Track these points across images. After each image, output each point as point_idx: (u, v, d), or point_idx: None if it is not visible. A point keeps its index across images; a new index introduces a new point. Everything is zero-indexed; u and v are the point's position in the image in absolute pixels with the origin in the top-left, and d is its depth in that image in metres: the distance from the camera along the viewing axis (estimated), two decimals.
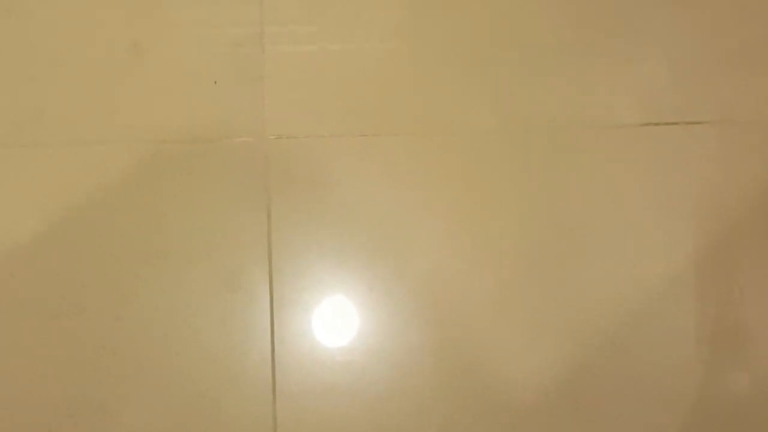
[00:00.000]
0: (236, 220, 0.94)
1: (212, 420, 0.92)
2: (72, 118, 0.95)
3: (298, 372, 0.93)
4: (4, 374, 0.92)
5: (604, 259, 0.96)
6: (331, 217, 0.95)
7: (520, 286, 0.95)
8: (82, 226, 0.93)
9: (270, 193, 0.94)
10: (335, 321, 0.94)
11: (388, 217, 0.95)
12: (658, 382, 0.94)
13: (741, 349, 0.95)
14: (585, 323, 0.95)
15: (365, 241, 0.95)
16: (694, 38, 0.99)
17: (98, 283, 0.93)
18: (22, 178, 0.94)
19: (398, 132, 0.96)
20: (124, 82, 0.95)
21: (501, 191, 0.96)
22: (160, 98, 0.95)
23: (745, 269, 0.96)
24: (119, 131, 0.95)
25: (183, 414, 0.92)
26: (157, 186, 0.94)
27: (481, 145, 0.97)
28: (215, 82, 0.95)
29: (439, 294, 0.95)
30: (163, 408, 0.92)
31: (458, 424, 0.93)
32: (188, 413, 0.92)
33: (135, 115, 0.95)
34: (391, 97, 0.97)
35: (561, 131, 0.97)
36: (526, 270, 0.95)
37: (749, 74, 0.99)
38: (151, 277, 0.93)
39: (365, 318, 0.94)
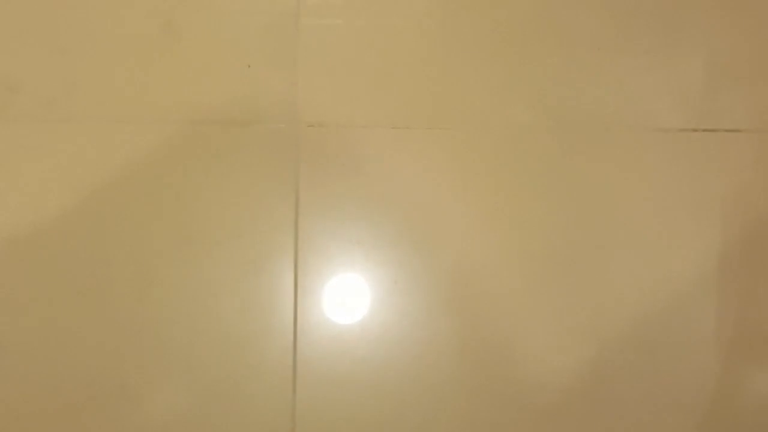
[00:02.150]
0: (264, 205, 0.94)
1: (232, 405, 0.92)
2: (104, 95, 0.94)
3: (319, 361, 0.93)
4: (26, 352, 0.92)
5: (632, 261, 0.95)
6: (359, 207, 0.94)
7: (547, 284, 0.94)
8: (110, 204, 0.93)
9: (299, 181, 0.94)
10: (359, 311, 0.94)
11: (417, 209, 0.95)
12: (680, 384, 0.94)
13: (764, 354, 0.94)
14: (610, 322, 0.94)
15: (393, 232, 0.94)
16: (737, 43, 0.98)
17: (124, 263, 0.92)
18: (52, 154, 0.93)
19: (431, 125, 0.95)
20: (157, 61, 0.95)
21: (533, 187, 0.95)
22: (193, 79, 0.94)
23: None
24: (150, 110, 0.94)
25: (203, 398, 0.92)
26: (186, 168, 0.94)
27: (515, 140, 0.96)
28: (249, 66, 0.95)
29: (465, 289, 0.94)
30: (183, 391, 0.92)
31: (478, 419, 0.93)
32: (208, 397, 0.92)
33: (167, 95, 0.94)
34: (426, 88, 0.96)
35: (597, 130, 0.96)
36: (555, 268, 0.95)
37: None
38: (177, 259, 0.93)
39: (389, 309, 0.94)
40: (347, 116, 0.95)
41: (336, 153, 0.94)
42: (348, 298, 0.94)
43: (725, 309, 0.94)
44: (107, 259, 0.92)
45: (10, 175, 0.93)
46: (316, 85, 0.95)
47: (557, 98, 0.96)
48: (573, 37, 0.97)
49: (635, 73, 0.97)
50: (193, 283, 0.93)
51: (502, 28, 0.97)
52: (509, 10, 0.97)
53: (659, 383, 0.94)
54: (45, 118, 0.94)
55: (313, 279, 0.93)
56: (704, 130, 0.96)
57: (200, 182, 0.94)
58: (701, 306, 0.95)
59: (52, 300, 0.92)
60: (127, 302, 0.92)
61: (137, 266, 0.93)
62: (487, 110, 0.96)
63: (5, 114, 0.93)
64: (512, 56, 0.97)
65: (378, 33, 0.96)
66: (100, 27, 0.95)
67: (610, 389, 0.94)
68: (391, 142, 0.95)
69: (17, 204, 0.92)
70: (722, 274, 0.95)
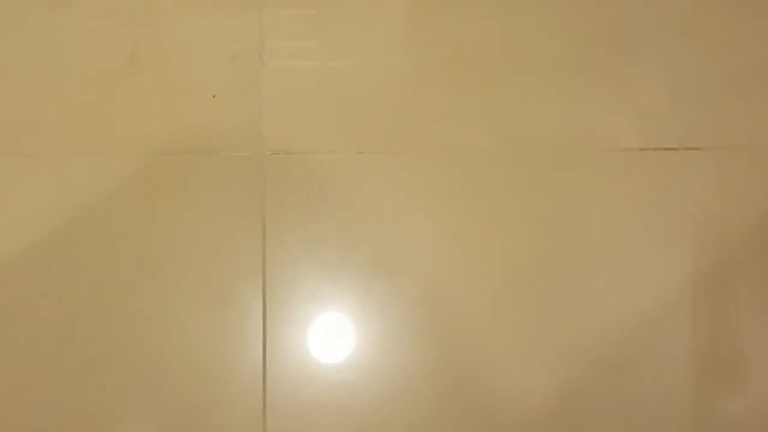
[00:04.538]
0: (231, 234, 0.94)
1: None
2: (69, 129, 0.95)
3: (289, 388, 0.92)
4: None
5: (600, 281, 0.95)
6: (326, 233, 0.95)
7: (516, 306, 0.95)
8: (76, 236, 0.93)
9: (265, 208, 0.94)
10: (327, 337, 0.94)
11: (384, 234, 0.95)
12: (651, 405, 0.94)
13: (736, 375, 0.95)
14: (580, 344, 0.94)
15: (360, 258, 0.95)
16: (694, 63, 1.00)
17: (91, 295, 0.92)
18: (17, 188, 0.94)
19: (396, 150, 0.96)
20: (122, 93, 0.96)
21: (498, 211, 0.96)
22: (158, 110, 0.95)
23: (741, 294, 0.96)
24: (116, 142, 0.95)
25: (173, 427, 0.91)
26: (152, 198, 0.94)
27: (479, 164, 0.97)
28: (213, 96, 0.96)
29: (433, 312, 0.94)
30: (153, 421, 0.91)
31: None
32: (178, 427, 0.91)
33: (132, 127, 0.95)
34: (390, 114, 0.97)
35: (560, 152, 0.97)
36: (523, 289, 0.95)
37: (748, 100, 0.99)
38: (144, 290, 0.93)
39: (358, 335, 0.94)
40: (312, 143, 0.96)
41: (301, 179, 0.95)
42: (316, 324, 0.94)
43: (696, 329, 0.95)
44: (74, 290, 0.92)
45: None
46: (281, 113, 0.96)
47: (519, 122, 0.98)
48: (533, 61, 0.99)
49: (595, 95, 0.98)
50: (162, 314, 0.92)
51: (464, 55, 0.99)
52: (471, 36, 0.99)
53: (630, 404, 0.94)
54: (9, 152, 0.94)
55: (282, 306, 0.93)
56: (665, 149, 0.98)
57: (167, 212, 0.94)
58: (671, 326, 0.95)
59: (20, 332, 0.92)
60: (95, 333, 0.92)
61: (104, 297, 0.92)
62: (450, 135, 0.97)
63: None
64: (474, 82, 0.98)
65: (342, 58, 0.98)
66: (65, 61, 0.96)
67: (580, 411, 0.93)
68: (356, 167, 0.96)
69: None
70: (692, 292, 0.95)
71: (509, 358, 0.94)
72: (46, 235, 0.93)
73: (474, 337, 0.94)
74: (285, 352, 0.93)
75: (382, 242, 0.95)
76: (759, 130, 0.98)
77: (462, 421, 0.93)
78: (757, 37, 1.00)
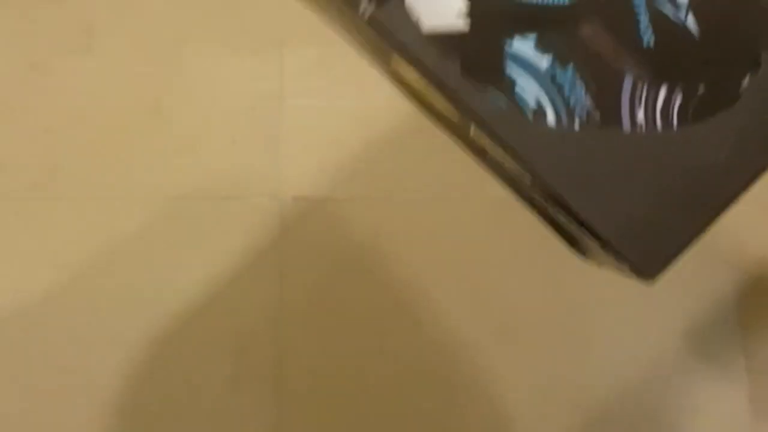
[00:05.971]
0: (248, 279, 0.93)
1: None
2: (87, 173, 0.94)
3: None
4: None
5: (608, 336, 0.95)
6: (344, 280, 0.94)
7: (524, 357, 0.94)
8: (94, 282, 0.93)
9: (283, 254, 0.94)
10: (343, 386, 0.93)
11: (402, 282, 0.95)
12: None
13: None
14: (590, 400, 0.94)
15: (377, 306, 0.94)
16: None
17: (106, 341, 0.92)
18: (37, 233, 0.93)
19: (414, 197, 0.96)
20: (141, 138, 0.95)
21: (508, 259, 0.96)
22: (176, 155, 0.95)
23: (754, 344, 0.96)
24: (134, 187, 0.94)
25: None
26: (169, 243, 0.94)
27: (491, 212, 0.97)
28: (233, 141, 0.95)
29: (446, 360, 0.94)
30: None
31: None
32: None
33: (151, 172, 0.95)
34: (408, 161, 0.97)
35: None
36: (531, 342, 0.95)
37: None
38: (159, 336, 0.92)
39: (373, 382, 0.93)
40: (331, 189, 0.95)
41: (320, 226, 0.95)
42: (333, 370, 0.93)
43: (697, 387, 0.95)
44: (91, 337, 0.92)
45: None
46: (301, 159, 0.96)
47: None
48: None
49: None
50: (175, 362, 0.92)
51: None
52: None
53: None
54: (29, 197, 0.94)
55: (298, 354, 0.93)
56: None
57: (184, 257, 0.93)
58: (683, 386, 0.95)
59: (37, 378, 0.91)
60: (110, 381, 0.91)
61: (120, 344, 0.92)
62: (467, 182, 0.97)
63: None
64: None
65: (363, 105, 0.97)
66: (84, 105, 0.95)
67: None
68: (376, 214, 0.95)
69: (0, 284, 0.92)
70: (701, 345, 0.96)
71: (518, 410, 0.94)
72: (65, 280, 0.92)
73: (486, 390, 0.94)
74: (299, 403, 0.92)
75: (399, 290, 0.95)
76: None
77: None
78: None
